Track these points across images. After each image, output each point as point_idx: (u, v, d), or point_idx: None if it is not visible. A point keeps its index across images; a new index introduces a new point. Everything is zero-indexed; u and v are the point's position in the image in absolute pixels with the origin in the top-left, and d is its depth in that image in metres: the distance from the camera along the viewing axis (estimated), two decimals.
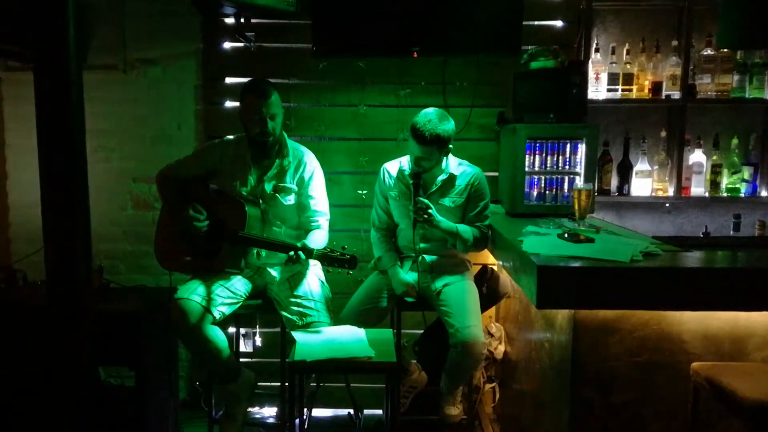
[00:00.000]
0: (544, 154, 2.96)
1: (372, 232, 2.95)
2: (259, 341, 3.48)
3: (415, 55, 3.11)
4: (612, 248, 2.08)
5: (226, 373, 2.75)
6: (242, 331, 3.37)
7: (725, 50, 3.18)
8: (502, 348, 3.18)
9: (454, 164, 2.81)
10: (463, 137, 3.33)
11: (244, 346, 3.43)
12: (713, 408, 1.92)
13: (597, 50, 3.31)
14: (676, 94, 3.24)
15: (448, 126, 2.66)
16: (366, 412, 3.26)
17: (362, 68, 3.37)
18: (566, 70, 3.00)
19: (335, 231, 3.02)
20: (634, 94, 3.26)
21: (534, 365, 2.61)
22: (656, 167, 3.34)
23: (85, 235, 2.26)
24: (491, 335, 3.19)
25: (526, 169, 2.95)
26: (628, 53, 3.27)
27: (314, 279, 2.82)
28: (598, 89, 3.27)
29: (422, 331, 3.09)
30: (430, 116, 2.63)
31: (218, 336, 2.64)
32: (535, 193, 2.98)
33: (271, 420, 3.36)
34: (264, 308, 2.82)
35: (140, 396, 2.77)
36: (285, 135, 2.85)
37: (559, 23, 3.32)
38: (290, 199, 2.80)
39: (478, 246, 2.78)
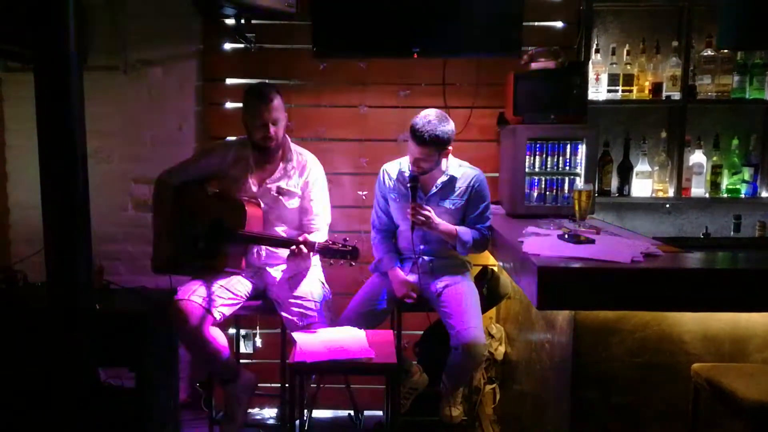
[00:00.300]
0: (544, 155, 2.96)
1: (372, 234, 2.95)
2: (259, 342, 3.48)
3: (416, 56, 3.12)
4: (612, 249, 2.08)
5: (226, 374, 2.75)
6: (242, 332, 3.37)
7: (725, 51, 3.18)
8: (502, 349, 3.18)
9: (454, 166, 2.81)
10: (463, 138, 3.33)
11: (245, 347, 3.43)
12: (714, 409, 1.92)
13: (597, 51, 3.31)
14: (677, 95, 3.23)
15: (448, 127, 2.65)
16: (366, 413, 3.26)
17: (362, 69, 3.37)
18: (566, 71, 3.00)
19: (336, 232, 3.02)
20: (634, 95, 3.26)
21: (534, 366, 2.61)
22: (656, 168, 3.34)
23: (86, 236, 2.26)
24: (492, 336, 3.19)
25: (527, 170, 2.95)
26: (628, 54, 3.27)
27: (314, 280, 2.82)
28: (598, 90, 3.27)
29: (422, 332, 3.09)
30: (429, 117, 2.63)
31: (218, 337, 2.64)
32: (535, 194, 2.98)
33: (271, 421, 3.36)
34: (264, 309, 2.83)
35: (140, 397, 2.77)
36: (289, 139, 2.85)
37: (559, 24, 3.32)
38: (293, 203, 2.80)
39: (478, 248, 2.78)
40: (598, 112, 3.32)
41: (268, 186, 2.78)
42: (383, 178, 2.88)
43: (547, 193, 2.98)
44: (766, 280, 1.93)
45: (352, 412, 3.25)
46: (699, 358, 2.02)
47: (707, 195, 3.35)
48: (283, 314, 2.73)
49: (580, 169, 2.95)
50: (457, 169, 2.81)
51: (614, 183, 3.39)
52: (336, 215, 2.98)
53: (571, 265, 1.95)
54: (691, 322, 2.06)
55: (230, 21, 3.24)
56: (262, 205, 2.77)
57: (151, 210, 2.91)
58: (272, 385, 3.23)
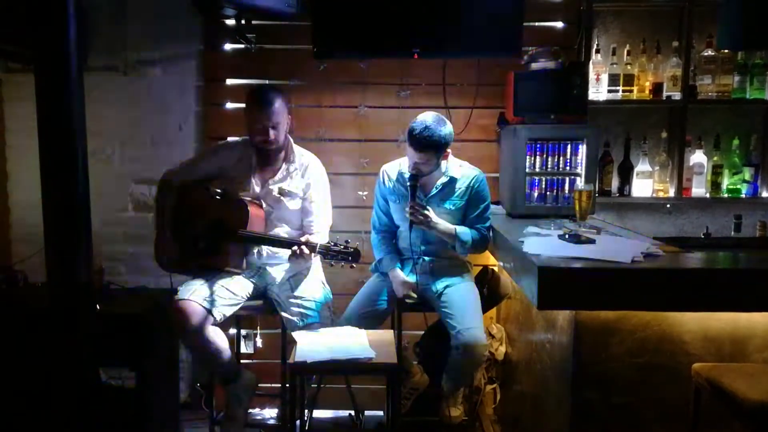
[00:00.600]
0: (544, 155, 2.96)
1: (372, 234, 2.95)
2: (259, 342, 3.48)
3: (416, 56, 3.11)
4: (613, 249, 2.08)
5: (226, 374, 2.76)
6: (243, 332, 3.37)
7: (726, 51, 3.18)
8: (503, 349, 3.18)
9: (454, 166, 2.80)
10: (463, 138, 3.33)
11: (245, 347, 3.43)
12: (714, 409, 1.91)
13: (597, 51, 3.31)
14: (677, 95, 3.23)
15: (446, 130, 2.64)
16: (367, 413, 3.26)
17: (363, 69, 3.37)
18: (567, 71, 3.00)
19: (336, 232, 3.02)
20: (634, 95, 3.26)
21: (535, 366, 2.61)
22: (657, 168, 3.34)
23: (86, 236, 2.26)
24: (492, 336, 3.19)
25: (527, 170, 2.95)
26: (628, 54, 3.27)
27: (315, 280, 2.82)
28: (598, 90, 3.27)
29: (423, 333, 3.09)
30: (427, 122, 2.61)
31: (219, 337, 2.64)
32: (535, 194, 2.98)
33: (271, 421, 3.36)
34: (265, 309, 2.83)
35: (141, 397, 2.77)
36: (291, 140, 2.85)
37: (559, 24, 3.32)
38: (295, 204, 2.81)
39: (478, 248, 2.78)
40: (599, 113, 3.32)
41: (270, 187, 2.78)
42: (383, 179, 2.88)
43: (548, 193, 2.98)
44: (766, 280, 1.93)
45: (352, 413, 3.25)
46: (699, 358, 2.02)
47: (708, 195, 3.35)
48: (284, 314, 2.73)
49: (581, 169, 2.94)
50: (457, 169, 2.81)
51: (615, 183, 3.39)
52: (336, 215, 2.98)
53: (571, 265, 1.95)
54: (691, 322, 2.06)
55: (230, 21, 3.24)
56: (264, 205, 2.77)
57: (153, 208, 2.91)
58: (273, 385, 3.22)
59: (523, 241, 2.25)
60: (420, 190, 2.72)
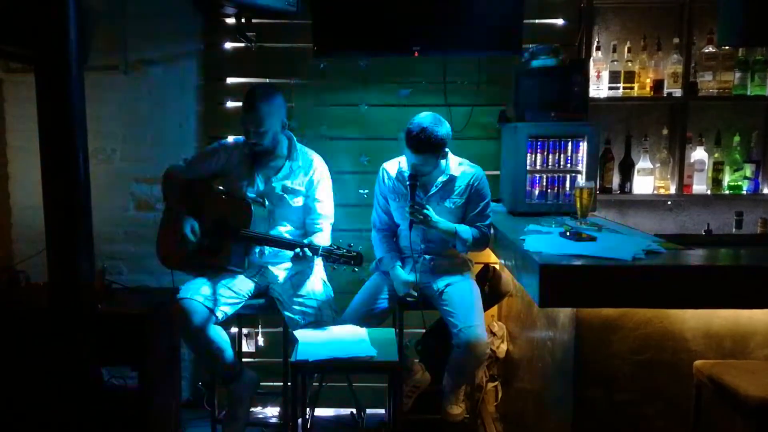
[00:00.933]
0: (545, 153, 2.95)
1: (373, 233, 2.95)
2: (261, 341, 3.49)
3: (417, 54, 3.11)
4: (614, 246, 2.08)
5: (228, 373, 2.76)
6: (245, 331, 3.37)
7: (727, 48, 3.17)
8: (504, 347, 3.18)
9: (453, 165, 2.80)
10: (464, 136, 3.33)
11: (247, 346, 3.43)
12: (716, 406, 1.92)
13: (598, 48, 3.30)
14: (678, 92, 3.23)
15: (442, 131, 2.62)
16: (368, 411, 3.26)
17: (363, 67, 3.37)
18: (567, 69, 2.99)
19: (337, 230, 3.02)
20: (635, 92, 3.25)
21: (536, 364, 2.61)
22: (658, 165, 3.34)
23: (87, 236, 2.26)
24: (493, 334, 3.19)
25: (528, 167, 2.95)
26: (629, 51, 3.27)
27: (317, 279, 2.82)
28: (599, 87, 3.26)
29: (424, 331, 3.09)
30: (423, 123, 2.59)
31: (221, 336, 2.65)
32: (536, 192, 2.98)
33: (273, 420, 3.37)
34: (266, 308, 2.83)
35: (143, 396, 2.78)
36: (295, 138, 2.85)
37: (560, 21, 3.31)
38: (298, 201, 2.81)
39: (479, 246, 2.78)
40: (600, 110, 3.31)
41: (273, 184, 2.79)
42: (382, 178, 2.87)
43: (549, 190, 2.98)
44: (767, 276, 1.92)
45: (354, 411, 3.25)
46: (701, 355, 2.02)
47: (709, 192, 3.35)
48: (286, 313, 2.73)
49: (582, 167, 2.94)
50: (457, 167, 2.80)
51: (616, 180, 3.39)
52: (337, 214, 2.98)
53: (572, 262, 1.95)
54: (692, 319, 2.06)
55: (231, 20, 3.25)
56: (267, 203, 2.78)
57: (154, 207, 2.90)
58: (274, 383, 3.23)
59: (524, 239, 2.25)
60: (420, 189, 2.71)
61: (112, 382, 3.03)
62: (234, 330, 3.17)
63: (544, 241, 2.21)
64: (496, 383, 3.29)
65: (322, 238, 2.74)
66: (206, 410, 3.09)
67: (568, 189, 2.96)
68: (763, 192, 3.36)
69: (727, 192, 3.35)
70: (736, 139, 3.34)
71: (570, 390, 2.10)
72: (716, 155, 3.35)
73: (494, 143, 3.39)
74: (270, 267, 2.83)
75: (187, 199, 2.78)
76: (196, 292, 2.61)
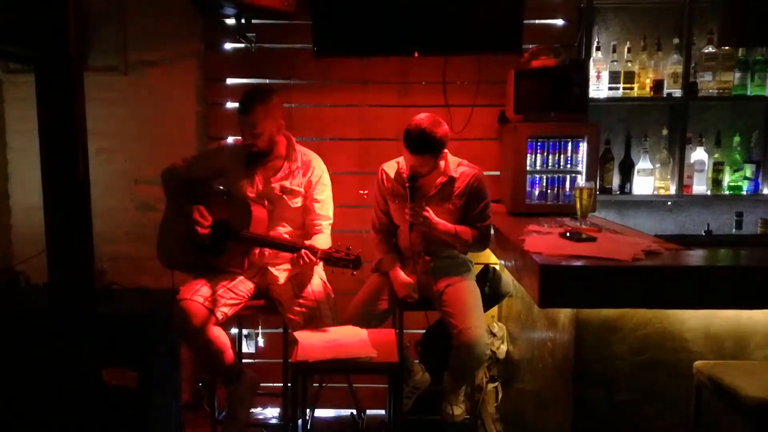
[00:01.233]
0: (545, 153, 2.96)
1: (372, 234, 2.94)
2: (261, 342, 3.49)
3: (416, 55, 3.11)
4: (614, 247, 2.08)
5: (228, 374, 2.76)
6: (245, 331, 3.38)
7: (726, 48, 3.17)
8: (504, 347, 3.18)
9: (453, 165, 2.79)
10: (464, 136, 3.33)
11: (247, 347, 3.43)
12: (716, 406, 1.91)
13: (598, 48, 3.30)
14: (678, 92, 3.23)
15: (441, 133, 2.60)
16: (368, 412, 3.26)
17: (363, 68, 3.37)
18: (567, 69, 2.99)
19: (337, 231, 3.02)
20: (635, 93, 3.26)
21: (536, 364, 2.61)
22: (658, 165, 3.34)
23: (87, 236, 2.26)
24: (493, 335, 3.19)
25: (528, 168, 2.95)
26: (629, 51, 3.27)
27: (317, 279, 2.82)
28: (599, 87, 3.26)
29: (424, 331, 3.09)
30: (422, 125, 2.58)
31: (221, 337, 2.64)
32: (536, 192, 2.98)
33: (273, 421, 3.37)
34: (266, 309, 2.82)
35: (143, 397, 2.78)
36: (293, 139, 2.86)
37: (559, 22, 3.32)
38: (296, 202, 2.80)
39: (479, 247, 2.77)
40: (599, 110, 3.32)
41: (273, 185, 2.78)
42: (382, 179, 2.87)
43: (549, 191, 2.98)
44: (767, 277, 1.92)
45: (354, 412, 3.25)
46: (701, 356, 2.02)
47: (709, 192, 3.35)
48: (286, 314, 2.73)
49: (582, 167, 2.94)
50: (456, 168, 2.79)
51: (615, 181, 3.39)
52: (337, 214, 2.98)
53: (572, 263, 1.95)
54: (692, 320, 2.06)
55: (230, 21, 3.25)
56: (267, 204, 2.77)
57: (155, 207, 2.91)
58: (274, 384, 3.23)
59: (524, 240, 2.25)
60: (419, 190, 2.71)
61: (113, 383, 3.03)
62: (234, 331, 3.17)
63: (544, 241, 2.21)
64: (496, 384, 3.29)
65: (322, 240, 2.74)
66: (206, 411, 3.09)
67: (568, 189, 2.97)
68: (763, 192, 3.36)
69: (727, 192, 3.35)
70: (736, 139, 3.34)
71: (570, 390, 2.10)
72: (716, 155, 3.35)
73: (494, 144, 3.40)
74: (270, 268, 2.83)
75: (187, 198, 2.78)
76: (196, 293, 2.61)
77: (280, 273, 2.82)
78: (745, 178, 3.33)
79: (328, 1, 3.10)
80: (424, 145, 2.58)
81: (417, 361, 2.99)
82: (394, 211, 2.84)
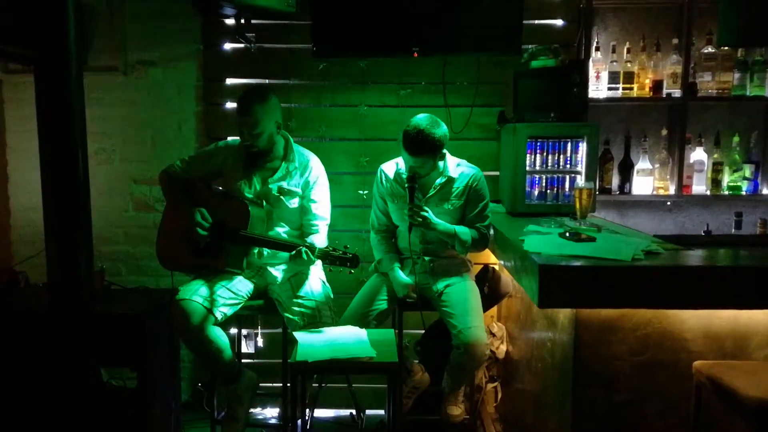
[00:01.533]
0: (544, 153, 2.95)
1: (371, 235, 2.95)
2: (260, 342, 3.49)
3: (416, 55, 3.11)
4: (613, 247, 2.08)
5: (228, 374, 2.76)
6: (244, 331, 3.37)
7: (726, 48, 3.17)
8: (504, 347, 3.18)
9: (452, 166, 2.79)
10: (463, 137, 3.33)
11: (246, 347, 3.43)
12: (715, 406, 1.91)
13: (597, 49, 3.30)
14: (677, 93, 3.23)
15: (440, 132, 2.61)
16: (368, 412, 3.26)
17: (362, 68, 3.37)
18: (567, 69, 2.99)
19: (336, 231, 3.02)
20: (634, 93, 3.26)
21: (536, 364, 2.61)
22: (657, 165, 3.34)
23: (87, 237, 2.26)
24: (493, 335, 3.19)
25: (527, 168, 2.95)
26: (628, 52, 3.27)
27: (316, 279, 2.82)
28: (598, 88, 3.26)
29: (424, 332, 3.09)
30: (420, 126, 2.58)
31: (220, 337, 2.64)
32: (536, 193, 2.98)
33: (273, 421, 3.36)
34: (266, 309, 2.82)
35: (142, 397, 2.77)
36: (291, 139, 2.86)
37: (559, 22, 3.32)
38: (294, 202, 2.81)
39: (478, 247, 2.77)
40: (599, 110, 3.32)
41: (270, 186, 2.79)
42: (380, 179, 2.87)
43: (548, 191, 2.98)
44: (767, 277, 1.92)
45: (353, 412, 3.25)
46: (700, 356, 2.02)
47: (708, 192, 3.35)
48: (285, 314, 2.73)
49: (581, 167, 2.94)
50: (455, 168, 2.79)
51: (615, 181, 3.39)
52: (336, 214, 2.99)
53: (572, 263, 1.95)
54: (692, 320, 2.06)
55: (230, 21, 3.25)
56: (265, 204, 2.78)
57: (155, 208, 2.91)
58: (274, 384, 3.23)
59: (523, 240, 2.25)
60: (418, 190, 2.71)
61: (112, 383, 3.03)
62: (233, 331, 3.17)
63: (544, 241, 2.21)
64: (495, 384, 3.29)
65: (318, 240, 2.74)
66: (206, 411, 3.09)
67: (567, 189, 2.96)
68: (762, 192, 3.36)
69: (726, 192, 3.35)
70: (736, 139, 3.34)
71: (569, 391, 2.10)
72: (715, 156, 3.35)
73: (493, 144, 3.40)
74: (269, 268, 2.83)
75: (186, 198, 2.78)
76: (195, 292, 2.61)
77: (279, 273, 2.82)
78: (745, 178, 3.34)
79: (328, 1, 3.10)
80: (422, 146, 2.58)
81: (416, 361, 2.99)
82: (394, 211, 2.84)
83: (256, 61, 3.35)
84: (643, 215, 3.45)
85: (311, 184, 2.82)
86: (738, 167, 3.33)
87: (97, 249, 2.38)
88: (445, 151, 2.70)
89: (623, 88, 3.24)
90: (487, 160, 3.33)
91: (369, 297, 2.82)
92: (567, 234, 2.27)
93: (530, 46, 3.09)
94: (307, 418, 2.95)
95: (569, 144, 2.94)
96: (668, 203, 3.43)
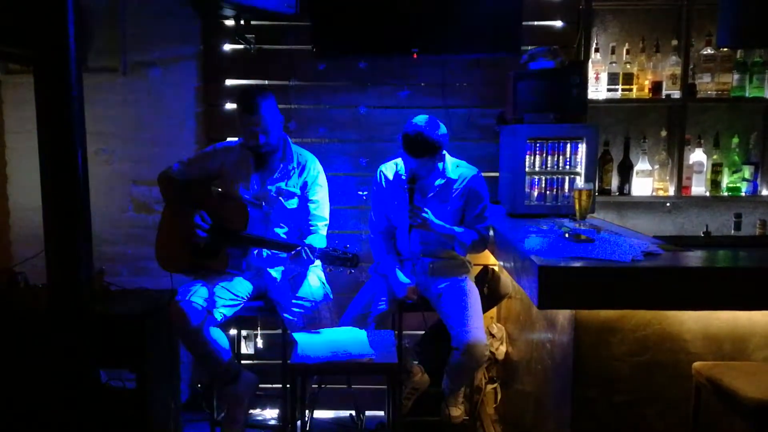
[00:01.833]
0: (544, 155, 2.96)
1: (371, 236, 2.95)
2: (260, 343, 3.48)
3: (415, 56, 3.11)
4: (613, 248, 2.08)
5: (227, 375, 2.76)
6: (243, 332, 3.37)
7: (725, 49, 3.18)
8: (503, 348, 3.18)
9: (451, 167, 2.79)
10: (463, 138, 3.33)
11: (245, 348, 3.43)
12: (715, 407, 1.92)
13: (597, 50, 3.31)
14: (676, 94, 3.23)
15: (439, 135, 2.61)
16: (367, 413, 3.26)
17: (362, 69, 3.37)
18: (566, 70, 2.99)
19: (335, 232, 3.02)
20: (634, 94, 3.26)
21: (535, 365, 2.61)
22: (657, 167, 3.34)
23: (86, 237, 2.26)
24: (492, 336, 3.19)
25: (527, 169, 2.95)
26: (627, 53, 3.27)
27: (315, 280, 2.82)
28: (598, 89, 3.27)
29: (423, 333, 3.09)
30: (420, 128, 2.58)
31: (219, 338, 2.64)
32: (535, 194, 2.98)
33: (272, 422, 3.36)
34: (265, 310, 2.83)
35: (142, 398, 2.77)
36: (289, 139, 2.86)
37: (558, 23, 3.32)
38: (293, 203, 2.81)
39: (477, 248, 2.77)
40: (598, 111, 3.32)
41: (269, 187, 2.79)
42: (380, 180, 2.87)
43: (548, 192, 2.98)
44: (766, 278, 1.92)
45: (353, 413, 3.25)
46: (700, 357, 2.02)
47: (708, 193, 3.35)
48: (284, 315, 2.73)
49: (580, 169, 2.94)
50: (455, 170, 2.79)
51: (614, 182, 3.39)
52: (336, 215, 2.99)
53: (571, 264, 1.95)
54: (691, 321, 2.06)
55: (230, 22, 3.25)
56: (264, 206, 2.78)
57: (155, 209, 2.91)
58: (273, 385, 3.23)
59: (523, 241, 2.25)
60: (418, 191, 2.71)
61: (111, 383, 3.02)
62: (233, 332, 3.17)
63: (543, 242, 2.22)
64: (495, 385, 3.29)
65: (317, 240, 2.74)
66: (205, 412, 3.09)
67: (566, 191, 2.97)
68: (761, 194, 3.37)
69: (725, 194, 3.35)
70: (735, 140, 3.35)
71: (569, 391, 2.10)
72: (715, 157, 3.35)
73: (493, 145, 3.40)
74: (268, 269, 2.83)
75: (185, 200, 2.78)
76: (195, 294, 2.61)
77: (279, 274, 2.82)
78: (744, 179, 3.34)
79: (328, 1, 3.10)
80: (422, 148, 2.58)
81: (416, 362, 2.99)
82: (393, 212, 2.84)
83: (256, 61, 3.35)
84: (643, 216, 3.45)
85: (310, 185, 2.82)
86: (737, 168, 3.34)
87: (97, 250, 2.38)
88: (444, 152, 2.70)
89: (622, 90, 3.24)
90: (487, 161, 3.33)
91: (369, 298, 2.82)
92: (566, 235, 2.27)
93: (530, 47, 3.10)
94: (306, 419, 2.94)
95: (569, 145, 2.94)
96: (667, 204, 3.43)
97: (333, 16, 3.10)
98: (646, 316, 2.05)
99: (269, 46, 3.35)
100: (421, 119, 2.63)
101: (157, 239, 2.85)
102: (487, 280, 3.02)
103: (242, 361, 3.14)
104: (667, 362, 2.06)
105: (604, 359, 2.07)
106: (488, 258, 3.12)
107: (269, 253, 2.80)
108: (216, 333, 2.63)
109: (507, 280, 3.03)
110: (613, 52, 3.27)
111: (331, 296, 2.87)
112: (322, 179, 2.89)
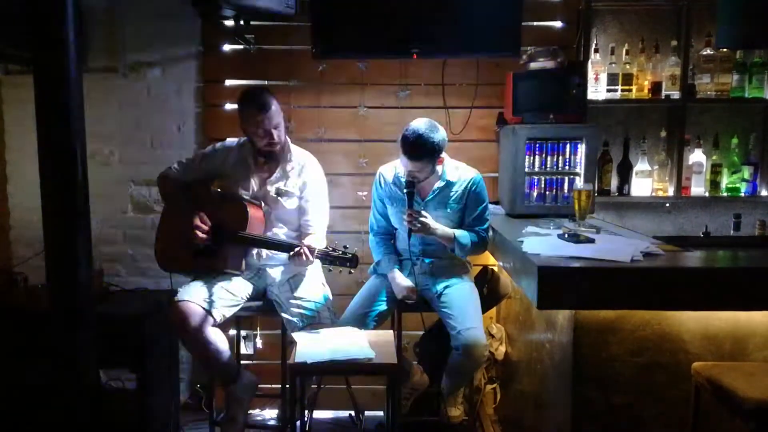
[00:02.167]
0: (543, 155, 2.96)
1: (371, 237, 2.94)
2: (259, 343, 3.48)
3: (415, 57, 3.11)
4: (612, 248, 2.08)
5: (227, 375, 2.75)
6: (243, 333, 3.37)
7: (724, 50, 3.18)
8: (503, 349, 3.18)
9: (450, 169, 2.78)
10: (462, 138, 3.34)
11: (245, 348, 3.43)
12: (714, 408, 1.92)
13: (596, 50, 3.31)
14: (676, 94, 3.24)
15: (438, 137, 2.60)
16: (367, 413, 3.26)
17: (362, 69, 3.37)
18: (566, 71, 3.00)
19: (335, 232, 3.02)
20: (633, 95, 3.26)
21: (535, 366, 2.61)
22: (656, 167, 3.34)
23: (86, 238, 2.26)
24: (492, 336, 3.19)
25: (526, 169, 2.95)
26: (627, 53, 3.27)
27: (315, 280, 2.82)
28: (597, 89, 3.27)
29: (423, 333, 3.09)
30: (419, 131, 2.57)
31: (219, 338, 2.64)
32: (535, 194, 2.98)
33: (272, 422, 3.36)
34: (265, 310, 2.83)
35: (141, 398, 2.78)
36: (288, 140, 2.86)
37: (558, 24, 3.32)
38: (292, 203, 2.81)
39: (477, 250, 2.77)
40: (598, 112, 3.32)
41: (268, 187, 2.79)
42: (379, 181, 2.86)
43: (547, 192, 2.98)
44: (766, 278, 1.93)
45: (352, 413, 3.25)
46: (699, 357, 2.02)
47: (707, 194, 3.35)
48: (284, 315, 2.73)
49: (580, 169, 2.95)
50: (454, 172, 2.79)
51: (614, 182, 3.40)
52: (335, 216, 2.99)
53: (571, 264, 1.95)
54: (691, 321, 2.06)
55: (229, 22, 3.24)
56: (263, 206, 2.78)
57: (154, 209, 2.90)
58: (273, 386, 3.22)
59: (522, 241, 2.25)
60: (417, 194, 2.71)
61: (111, 384, 3.03)
62: (232, 332, 3.17)
63: (543, 243, 2.22)
64: (494, 385, 3.29)
65: (316, 240, 2.74)
66: (205, 412, 3.09)
67: (566, 191, 2.97)
68: (761, 194, 3.37)
69: (725, 194, 3.35)
70: (734, 141, 3.35)
71: (568, 392, 2.11)
72: (714, 157, 3.35)
73: (493, 145, 3.40)
74: (268, 269, 2.83)
75: (185, 200, 2.78)
76: (194, 294, 2.60)
77: (278, 274, 2.82)
78: (743, 179, 3.34)
79: (328, 2, 3.10)
80: (421, 151, 2.58)
81: (415, 362, 2.99)
82: (392, 214, 2.84)
83: (256, 62, 3.35)
84: (642, 217, 3.46)
85: (308, 185, 2.83)
86: (737, 169, 3.34)
87: (97, 250, 2.37)
88: (444, 154, 2.70)
89: (622, 90, 3.24)
90: (486, 161, 3.33)
91: (368, 298, 2.82)
92: (566, 235, 2.27)
93: (529, 48, 3.10)
94: (306, 419, 2.94)
95: (568, 145, 2.94)
96: (667, 205, 3.43)
97: (333, 17, 3.10)
98: (645, 317, 2.05)
99: (269, 46, 3.35)
100: (420, 122, 2.62)
101: (157, 239, 2.85)
102: (486, 280, 3.02)
103: (242, 361, 3.14)
104: (666, 362, 2.07)
105: (603, 360, 2.07)
106: (488, 258, 3.12)
107: (269, 253, 2.80)
108: (215, 333, 2.63)
109: (507, 280, 3.03)
110: (612, 53, 3.28)
111: (331, 296, 2.87)
112: (322, 179, 2.89)
